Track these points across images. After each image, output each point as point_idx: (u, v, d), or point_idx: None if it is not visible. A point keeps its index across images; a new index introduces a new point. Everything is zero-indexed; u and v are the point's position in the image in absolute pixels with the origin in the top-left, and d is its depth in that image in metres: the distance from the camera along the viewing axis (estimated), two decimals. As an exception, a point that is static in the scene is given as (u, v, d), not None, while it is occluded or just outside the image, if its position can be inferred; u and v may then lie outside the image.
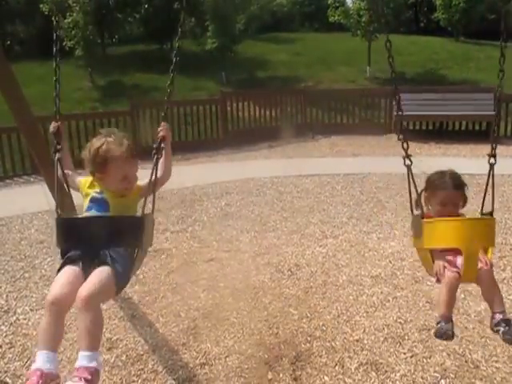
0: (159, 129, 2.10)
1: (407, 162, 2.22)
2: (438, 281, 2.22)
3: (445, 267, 2.14)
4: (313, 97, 10.65)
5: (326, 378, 2.79)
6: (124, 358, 3.04)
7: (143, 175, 2.12)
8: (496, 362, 2.88)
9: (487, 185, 2.29)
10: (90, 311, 1.76)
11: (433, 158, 8.06)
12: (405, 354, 2.98)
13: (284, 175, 7.10)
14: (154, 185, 2.01)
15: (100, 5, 14.99)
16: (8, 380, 2.89)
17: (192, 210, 5.83)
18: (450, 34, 18.66)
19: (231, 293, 3.78)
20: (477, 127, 9.90)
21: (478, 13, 18.23)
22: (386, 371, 2.82)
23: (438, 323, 2.15)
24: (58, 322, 1.83)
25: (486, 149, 8.77)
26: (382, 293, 3.72)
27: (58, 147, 2.14)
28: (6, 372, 2.96)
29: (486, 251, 2.27)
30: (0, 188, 7.28)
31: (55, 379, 1.73)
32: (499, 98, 2.89)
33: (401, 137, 2.22)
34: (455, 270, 2.12)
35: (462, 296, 3.64)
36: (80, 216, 2.09)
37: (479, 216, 2.31)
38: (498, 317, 2.11)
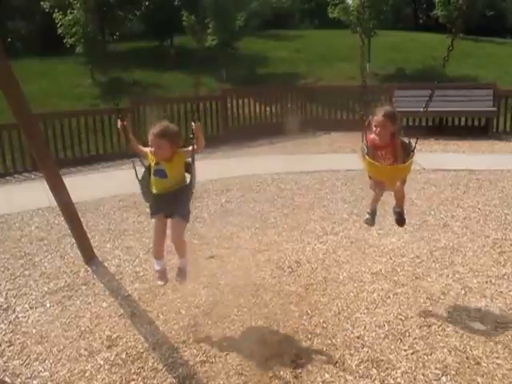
0: (194, 129, 3.03)
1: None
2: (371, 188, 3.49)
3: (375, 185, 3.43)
4: (313, 93, 10.63)
5: (326, 375, 2.78)
6: (124, 355, 3.04)
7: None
8: (497, 358, 2.87)
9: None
10: (179, 241, 3.15)
11: (433, 154, 8.04)
12: (405, 350, 2.98)
13: (284, 172, 7.08)
14: (194, 150, 3.06)
15: (101, 2, 14.95)
16: (7, 379, 2.88)
17: (192, 207, 5.73)
18: (449, 31, 18.60)
19: (231, 290, 3.77)
20: (476, 123, 9.88)
21: (477, 10, 18.19)
22: (386, 368, 2.82)
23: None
24: (161, 239, 3.22)
25: (486, 144, 8.85)
26: (382, 289, 3.71)
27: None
28: (4, 371, 2.96)
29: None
30: (0, 185, 7.27)
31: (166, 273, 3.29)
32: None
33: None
34: (380, 187, 3.40)
35: (463, 292, 3.64)
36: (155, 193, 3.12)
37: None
38: (394, 209, 3.51)
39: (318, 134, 9.92)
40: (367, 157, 3.18)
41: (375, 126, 3.14)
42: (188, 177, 3.19)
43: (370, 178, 3.37)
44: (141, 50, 16.52)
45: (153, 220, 3.19)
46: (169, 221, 3.13)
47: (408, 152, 3.21)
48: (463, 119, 9.91)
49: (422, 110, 3.43)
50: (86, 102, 11.69)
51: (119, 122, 3.20)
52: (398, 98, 10.02)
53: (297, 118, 10.04)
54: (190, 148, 3.07)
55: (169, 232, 3.16)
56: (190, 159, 3.12)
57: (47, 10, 14.33)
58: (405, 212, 3.50)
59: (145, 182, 3.14)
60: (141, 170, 3.18)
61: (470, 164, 7.17)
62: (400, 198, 3.43)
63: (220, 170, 7.32)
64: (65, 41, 13.11)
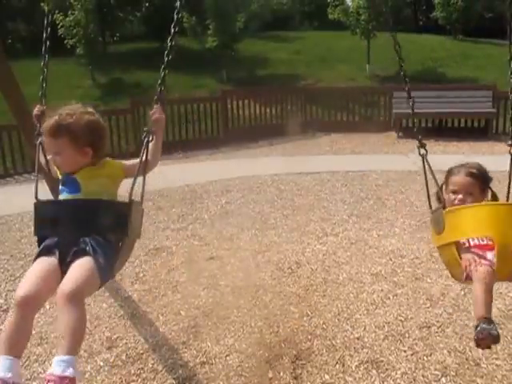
0: (152, 111, 1.99)
1: (422, 151, 2.12)
2: (468, 278, 1.92)
3: (475, 261, 1.87)
4: (313, 95, 10.66)
5: (326, 376, 2.78)
6: (124, 357, 3.04)
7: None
8: (496, 359, 2.87)
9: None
10: (73, 309, 1.57)
11: (432, 156, 8.03)
12: (405, 351, 2.98)
13: (284, 173, 7.09)
14: (143, 169, 1.89)
15: (101, 3, 15.00)
16: (8, 379, 2.88)
17: (193, 208, 5.82)
18: (448, 33, 18.67)
19: (232, 291, 3.77)
20: (476, 124, 9.90)
21: (476, 11, 18.25)
22: (386, 369, 2.82)
23: (476, 327, 1.78)
24: (26, 323, 1.63)
25: (485, 146, 8.85)
26: (382, 290, 3.71)
27: (41, 131, 1.97)
28: (6, 371, 2.96)
29: None
30: (0, 186, 7.27)
31: None
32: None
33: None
34: (487, 263, 1.87)
35: (462, 293, 3.64)
36: (57, 199, 1.93)
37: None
38: None
39: (317, 135, 9.94)
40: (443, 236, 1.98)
41: (453, 192, 2.11)
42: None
43: (458, 249, 1.98)
44: (141, 51, 16.54)
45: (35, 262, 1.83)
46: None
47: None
48: (463, 120, 9.93)
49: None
50: (87, 104, 11.70)
51: (38, 107, 2.20)
52: (397, 99, 10.04)
53: (297, 120, 10.06)
54: (132, 162, 1.98)
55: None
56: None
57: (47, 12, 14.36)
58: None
59: (39, 205, 1.91)
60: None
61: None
62: None
63: (220, 171, 7.34)
64: (65, 42, 13.13)
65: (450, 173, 2.20)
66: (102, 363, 2.98)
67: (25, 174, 7.68)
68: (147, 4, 17.99)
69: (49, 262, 1.74)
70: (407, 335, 3.14)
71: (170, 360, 2.99)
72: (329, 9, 15.48)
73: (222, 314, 3.45)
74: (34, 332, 3.34)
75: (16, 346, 1.58)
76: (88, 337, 3.26)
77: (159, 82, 2.04)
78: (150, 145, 1.94)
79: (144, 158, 1.90)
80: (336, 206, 5.67)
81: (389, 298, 3.60)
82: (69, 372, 1.49)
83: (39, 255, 1.77)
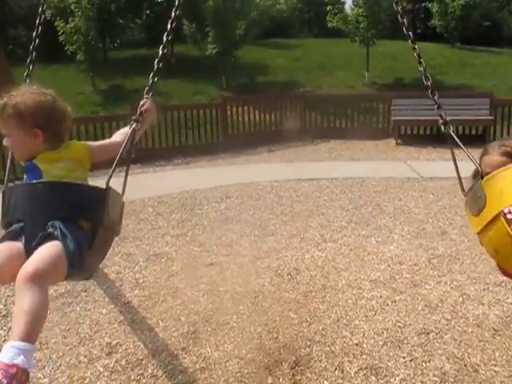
0: (142, 101, 2.00)
1: (446, 128, 1.95)
2: None
3: None
4: (312, 102, 10.72)
5: (325, 382, 2.79)
6: (123, 362, 3.04)
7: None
8: (495, 365, 2.88)
9: None
10: (33, 289, 1.45)
11: (430, 162, 8.10)
12: (404, 358, 2.99)
13: (283, 179, 7.12)
14: (128, 155, 1.85)
15: (102, 10, 15.10)
16: (8, 384, 2.88)
17: (192, 214, 5.84)
18: (446, 41, 18.84)
19: (231, 297, 3.78)
20: (473, 131, 9.97)
21: (474, 20, 18.44)
22: (385, 375, 2.83)
23: None
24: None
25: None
26: (381, 297, 3.73)
27: None
28: (5, 376, 2.96)
29: None
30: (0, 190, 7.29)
31: None
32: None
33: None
34: None
35: (461, 300, 3.66)
36: (24, 183, 1.79)
37: None
38: None
39: (316, 141, 9.98)
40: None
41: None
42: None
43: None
44: (141, 57, 16.63)
45: None
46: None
47: None
48: (460, 128, 9.99)
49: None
50: (87, 110, 11.77)
51: None
52: (396, 106, 10.12)
53: (296, 126, 10.11)
54: (102, 143, 1.95)
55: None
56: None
57: (48, 18, 14.47)
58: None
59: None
60: None
61: (467, 172, 7.22)
62: None
63: (219, 177, 7.37)
64: (66, 48, 13.22)
65: (484, 150, 1.97)
66: (101, 369, 2.99)
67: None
68: (147, 11, 18.13)
69: (13, 245, 1.61)
70: (406, 341, 3.15)
71: (170, 366, 2.99)
72: (328, 17, 15.62)
73: (222, 320, 3.46)
74: (33, 337, 3.35)
75: None
76: (88, 342, 3.27)
77: (151, 74, 2.08)
78: (130, 131, 1.92)
79: (127, 144, 1.86)
80: (335, 213, 5.69)
81: (387, 305, 3.61)
82: (19, 360, 1.31)
83: (2, 240, 1.64)
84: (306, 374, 2.86)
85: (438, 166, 7.84)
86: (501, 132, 9.54)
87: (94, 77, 13.61)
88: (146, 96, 2.02)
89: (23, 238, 1.62)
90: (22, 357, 1.32)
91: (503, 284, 3.87)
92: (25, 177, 1.80)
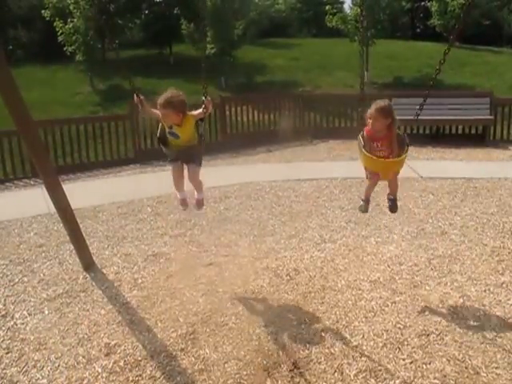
0: (206, 101, 3.47)
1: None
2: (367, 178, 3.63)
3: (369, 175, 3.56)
4: (311, 101, 10.69)
5: (325, 384, 2.77)
6: (122, 363, 3.03)
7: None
8: (496, 368, 2.87)
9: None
10: (196, 182, 3.74)
11: (430, 162, 8.08)
12: (404, 360, 2.97)
13: (282, 179, 7.10)
14: (202, 114, 3.52)
15: (101, 11, 15.08)
16: (5, 386, 2.86)
17: (191, 214, 5.81)
18: (445, 40, 18.84)
19: (230, 297, 3.77)
20: (473, 131, 9.95)
21: (474, 19, 18.42)
22: (385, 378, 2.81)
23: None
24: (179, 180, 3.73)
25: (483, 152, 8.89)
26: (380, 297, 3.71)
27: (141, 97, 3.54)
28: (2, 378, 2.94)
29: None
30: (0, 191, 7.26)
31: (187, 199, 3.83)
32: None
33: None
34: (375, 178, 3.56)
35: (462, 301, 3.64)
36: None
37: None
38: (388, 196, 3.70)
39: (315, 141, 9.96)
40: (364, 150, 3.30)
41: (369, 119, 3.30)
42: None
43: (366, 169, 3.52)
44: (140, 57, 16.60)
45: (170, 166, 3.74)
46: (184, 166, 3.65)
47: (403, 146, 3.32)
48: (460, 127, 9.97)
49: (413, 117, 3.49)
50: (86, 110, 11.74)
51: (135, 97, 3.55)
52: (395, 106, 10.08)
53: (295, 126, 10.09)
54: (199, 111, 3.53)
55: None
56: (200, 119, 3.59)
57: (48, 19, 14.45)
58: (397, 199, 3.73)
59: (161, 140, 3.63)
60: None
61: (467, 172, 7.20)
62: (393, 188, 3.65)
63: (218, 177, 7.33)
64: (65, 49, 13.19)
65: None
66: (100, 370, 2.97)
67: (24, 179, 7.66)
68: (146, 11, 18.09)
69: (176, 163, 3.66)
70: (406, 343, 3.13)
71: (168, 367, 2.98)
72: (327, 17, 15.62)
73: (221, 321, 3.44)
74: (32, 338, 3.33)
75: (180, 187, 3.80)
76: (86, 343, 3.26)
77: (203, 83, 3.54)
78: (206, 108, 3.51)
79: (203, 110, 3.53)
80: (334, 213, 5.67)
81: (387, 306, 3.60)
82: (200, 197, 4.16)
83: (171, 161, 3.68)
84: (305, 377, 2.84)
85: (438, 166, 7.84)
86: (501, 131, 9.52)
87: (93, 77, 13.58)
88: (205, 99, 3.49)
89: (179, 161, 3.64)
90: (201, 196, 4.07)
91: (504, 285, 3.85)
92: (167, 131, 3.51)
